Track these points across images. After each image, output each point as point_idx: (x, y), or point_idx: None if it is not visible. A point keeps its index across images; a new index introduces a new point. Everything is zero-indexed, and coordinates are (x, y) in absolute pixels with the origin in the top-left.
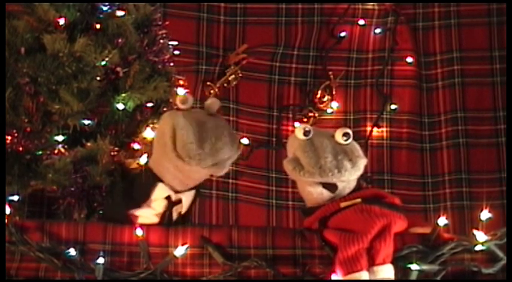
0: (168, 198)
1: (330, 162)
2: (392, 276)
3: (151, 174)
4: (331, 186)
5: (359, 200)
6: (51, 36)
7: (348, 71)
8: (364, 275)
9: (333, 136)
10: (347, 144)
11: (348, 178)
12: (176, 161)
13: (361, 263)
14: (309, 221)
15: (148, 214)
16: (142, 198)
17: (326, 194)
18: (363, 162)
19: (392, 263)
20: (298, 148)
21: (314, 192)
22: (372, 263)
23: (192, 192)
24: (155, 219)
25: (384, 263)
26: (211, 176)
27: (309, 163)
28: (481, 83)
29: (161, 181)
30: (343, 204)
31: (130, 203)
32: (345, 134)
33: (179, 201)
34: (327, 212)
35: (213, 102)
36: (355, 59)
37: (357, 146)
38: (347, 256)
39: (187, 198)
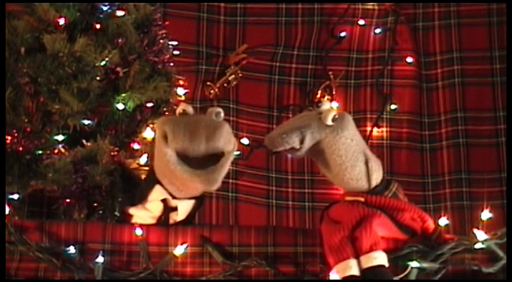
0: (164, 201)
1: None
2: (385, 262)
3: (153, 175)
4: None
5: (362, 199)
6: (51, 36)
7: (348, 71)
8: (352, 262)
9: None
10: None
11: None
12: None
13: (347, 251)
14: None
15: (144, 216)
16: (139, 197)
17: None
18: None
19: (391, 260)
20: None
21: None
22: (360, 253)
23: (190, 202)
24: (151, 221)
25: (371, 250)
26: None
27: None
28: (481, 83)
29: (160, 183)
30: (347, 198)
31: (128, 200)
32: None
33: (176, 208)
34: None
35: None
36: (355, 59)
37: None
38: (332, 245)
39: (183, 206)
